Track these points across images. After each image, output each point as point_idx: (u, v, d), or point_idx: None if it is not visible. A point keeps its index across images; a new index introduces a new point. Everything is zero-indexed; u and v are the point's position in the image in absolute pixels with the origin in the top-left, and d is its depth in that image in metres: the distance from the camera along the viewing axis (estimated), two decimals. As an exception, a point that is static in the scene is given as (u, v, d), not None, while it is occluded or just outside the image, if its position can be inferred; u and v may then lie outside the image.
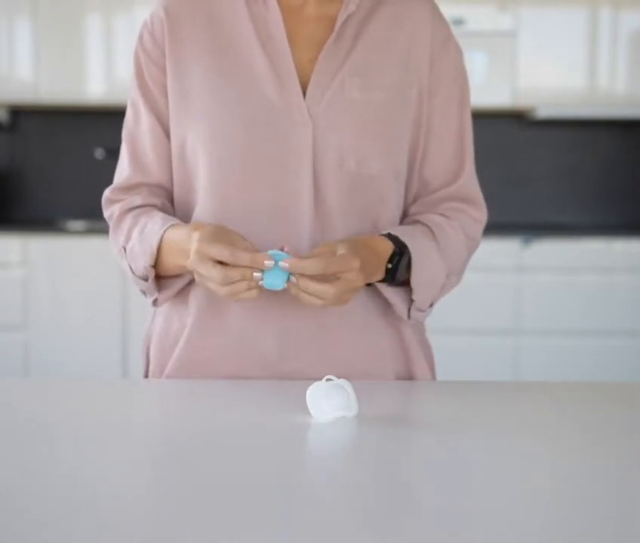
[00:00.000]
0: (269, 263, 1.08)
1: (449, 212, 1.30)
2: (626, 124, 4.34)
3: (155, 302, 1.28)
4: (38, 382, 1.39)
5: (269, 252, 1.10)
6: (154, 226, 1.21)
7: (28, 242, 3.81)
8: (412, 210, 1.31)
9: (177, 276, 1.26)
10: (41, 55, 4.02)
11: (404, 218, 1.32)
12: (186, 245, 1.15)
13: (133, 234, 1.25)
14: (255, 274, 1.09)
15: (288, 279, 1.10)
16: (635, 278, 3.84)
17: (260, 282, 1.09)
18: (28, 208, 4.41)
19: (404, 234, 1.22)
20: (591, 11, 4.03)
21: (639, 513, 0.73)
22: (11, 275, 3.81)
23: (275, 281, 1.09)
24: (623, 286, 3.83)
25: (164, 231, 1.19)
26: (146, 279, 1.24)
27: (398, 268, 1.21)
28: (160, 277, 1.25)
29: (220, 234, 1.12)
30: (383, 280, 1.22)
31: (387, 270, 1.21)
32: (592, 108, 4.08)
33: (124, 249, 1.27)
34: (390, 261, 1.20)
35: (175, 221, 1.21)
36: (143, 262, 1.22)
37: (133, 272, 1.26)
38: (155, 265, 1.22)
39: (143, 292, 1.28)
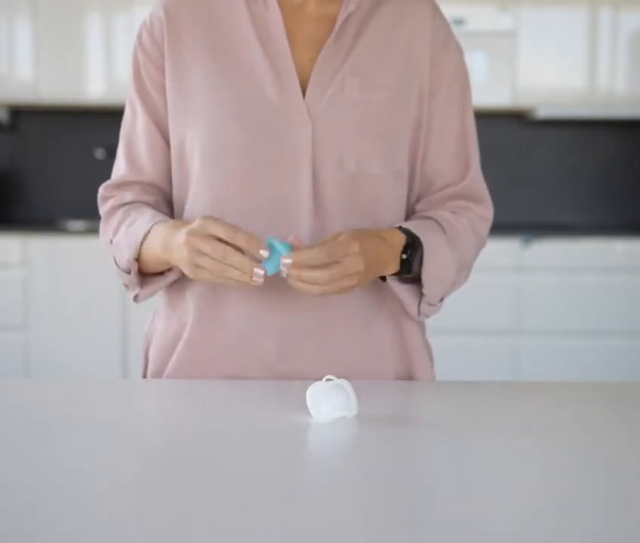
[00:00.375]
0: (263, 253, 1.09)
1: (456, 209, 1.30)
2: (626, 124, 4.34)
3: (136, 298, 1.28)
4: (38, 382, 1.39)
5: (268, 237, 1.10)
6: (142, 221, 1.22)
7: (28, 242, 3.81)
8: (418, 207, 1.31)
9: (160, 274, 1.26)
10: (41, 55, 4.02)
11: (410, 216, 1.32)
12: (169, 239, 1.16)
13: (121, 228, 1.26)
14: (256, 269, 1.09)
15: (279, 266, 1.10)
16: (635, 278, 3.84)
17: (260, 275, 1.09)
18: (28, 208, 4.41)
19: (416, 227, 1.22)
20: (591, 11, 4.03)
21: (639, 513, 0.73)
22: (11, 275, 3.82)
23: (267, 266, 1.09)
24: (623, 286, 3.83)
25: (151, 226, 1.20)
26: (128, 272, 1.25)
27: (413, 260, 1.20)
28: (143, 272, 1.26)
29: (217, 218, 1.13)
30: (397, 273, 1.21)
31: (402, 261, 1.20)
32: (592, 108, 4.08)
33: (112, 242, 1.28)
34: (404, 252, 1.20)
35: (163, 217, 1.22)
36: (127, 254, 1.22)
37: (117, 265, 1.27)
38: (139, 259, 1.22)
39: (126, 286, 1.29)
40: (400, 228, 1.21)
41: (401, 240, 1.20)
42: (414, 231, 1.21)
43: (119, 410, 1.07)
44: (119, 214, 1.28)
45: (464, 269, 1.29)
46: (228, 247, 1.09)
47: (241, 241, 1.09)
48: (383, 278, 1.23)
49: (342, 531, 0.67)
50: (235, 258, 1.09)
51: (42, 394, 1.17)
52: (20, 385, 1.29)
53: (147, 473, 0.84)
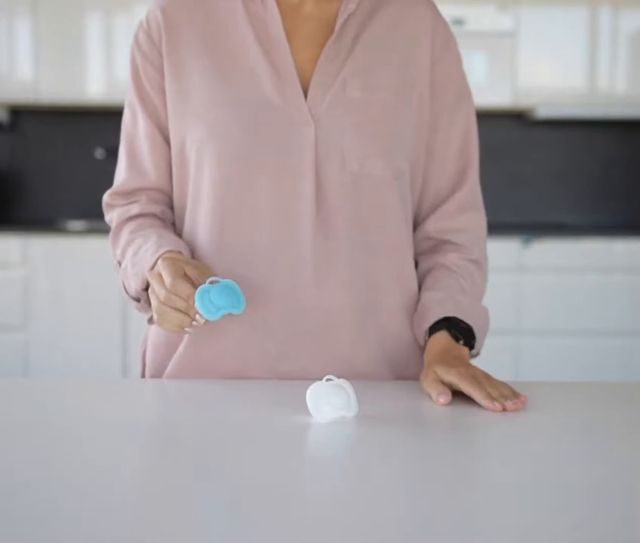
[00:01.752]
0: (199, 318, 1.10)
1: (462, 237, 1.31)
2: (625, 124, 4.34)
3: (150, 320, 1.28)
4: (38, 382, 1.39)
5: (199, 290, 1.09)
6: (148, 249, 1.20)
7: (28, 242, 3.81)
8: (431, 226, 1.32)
9: None
10: (41, 55, 4.02)
11: (418, 219, 1.33)
12: None
13: (127, 254, 1.25)
14: (197, 316, 1.10)
15: (214, 314, 1.10)
16: (635, 278, 3.84)
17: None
18: (28, 208, 4.41)
19: (460, 311, 1.24)
20: (591, 11, 4.03)
21: (639, 513, 0.73)
22: (11, 275, 3.82)
23: (204, 311, 1.10)
24: (623, 286, 3.83)
25: (156, 259, 1.17)
26: (138, 300, 1.25)
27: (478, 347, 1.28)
28: None
29: (183, 263, 1.13)
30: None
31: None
32: (592, 108, 4.08)
33: (120, 264, 1.27)
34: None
35: (169, 247, 1.18)
36: (134, 285, 1.22)
37: (126, 292, 1.27)
38: (148, 287, 1.21)
39: (138, 309, 1.29)
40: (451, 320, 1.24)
41: (466, 353, 1.23)
42: (471, 324, 1.24)
43: (119, 410, 1.07)
44: (125, 233, 1.27)
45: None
46: (171, 294, 1.10)
47: (180, 292, 1.10)
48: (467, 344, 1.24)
49: (342, 531, 0.67)
50: (177, 302, 1.10)
51: (42, 394, 1.17)
52: (19, 384, 1.29)
53: (147, 472, 0.84)
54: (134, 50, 1.27)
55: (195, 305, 1.09)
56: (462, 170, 1.32)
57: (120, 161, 1.32)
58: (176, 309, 1.11)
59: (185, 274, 1.12)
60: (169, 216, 1.31)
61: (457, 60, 1.31)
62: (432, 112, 1.28)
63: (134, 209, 1.28)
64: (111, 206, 1.32)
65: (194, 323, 1.11)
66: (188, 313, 1.11)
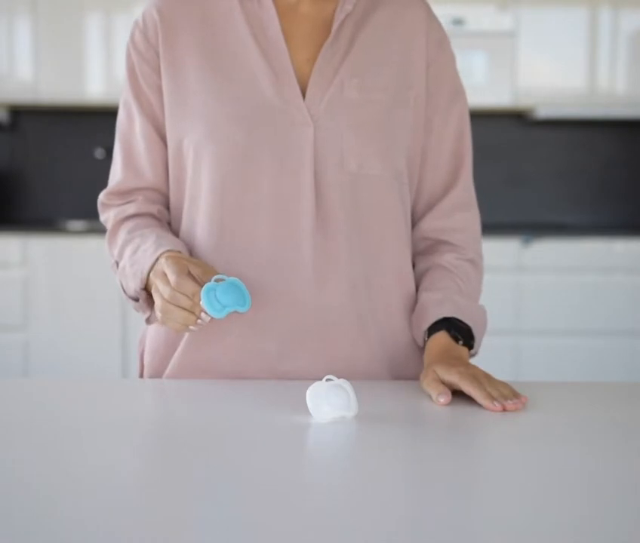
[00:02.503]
0: (205, 317, 1.10)
1: (458, 237, 1.32)
2: (625, 124, 4.34)
3: (148, 320, 1.28)
4: (38, 382, 1.39)
5: (205, 287, 1.09)
6: (147, 249, 1.19)
7: (28, 242, 3.81)
8: (426, 225, 1.32)
9: None
10: (41, 55, 4.02)
11: (415, 218, 1.34)
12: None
13: (125, 253, 1.24)
14: (203, 314, 1.10)
15: (221, 312, 1.10)
16: (635, 278, 3.84)
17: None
18: (28, 208, 4.41)
19: (458, 311, 1.24)
20: (591, 11, 4.03)
21: (639, 514, 0.73)
22: (11, 275, 3.82)
23: (210, 309, 1.09)
24: (623, 286, 3.83)
25: (155, 260, 1.17)
26: (136, 299, 1.24)
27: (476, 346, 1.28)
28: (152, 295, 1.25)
29: (186, 262, 1.13)
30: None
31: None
32: (592, 108, 4.08)
33: (117, 264, 1.27)
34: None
35: (168, 246, 1.18)
36: (133, 284, 1.21)
37: (124, 291, 1.26)
38: (147, 286, 1.21)
39: (136, 309, 1.28)
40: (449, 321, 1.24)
41: (466, 353, 1.23)
42: (466, 322, 1.25)
43: (119, 410, 1.07)
44: (122, 233, 1.27)
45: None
46: (175, 292, 1.10)
47: (185, 290, 1.10)
48: (466, 345, 1.25)
49: (342, 531, 0.67)
50: (182, 301, 1.10)
51: (42, 394, 1.17)
52: (20, 384, 1.29)
53: (147, 472, 0.84)
54: (130, 49, 1.27)
55: (201, 302, 1.09)
56: (455, 170, 1.32)
57: (115, 160, 1.31)
58: (182, 307, 1.10)
59: (189, 273, 1.12)
60: (165, 216, 1.31)
61: (451, 61, 1.31)
62: (426, 113, 1.29)
63: (131, 209, 1.28)
64: (107, 206, 1.32)
65: (199, 321, 1.11)
66: (193, 311, 1.10)
